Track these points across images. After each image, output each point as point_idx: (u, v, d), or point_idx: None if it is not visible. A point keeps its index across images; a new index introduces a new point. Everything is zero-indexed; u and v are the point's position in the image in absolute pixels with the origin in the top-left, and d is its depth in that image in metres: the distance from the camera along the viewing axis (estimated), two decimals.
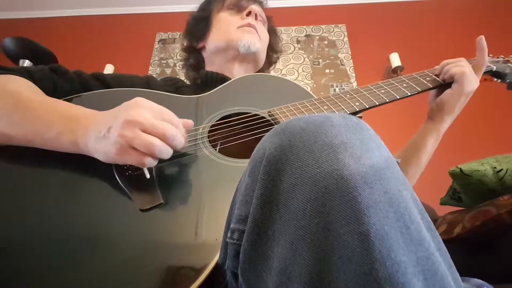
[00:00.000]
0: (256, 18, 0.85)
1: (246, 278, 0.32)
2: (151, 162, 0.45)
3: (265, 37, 0.89)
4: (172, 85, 0.77)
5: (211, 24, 0.86)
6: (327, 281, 0.26)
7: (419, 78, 0.72)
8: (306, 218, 0.28)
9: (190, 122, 0.52)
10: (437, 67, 0.75)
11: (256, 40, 0.82)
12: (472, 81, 0.70)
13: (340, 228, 0.26)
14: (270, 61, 0.98)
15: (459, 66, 0.71)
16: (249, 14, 0.83)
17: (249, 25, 0.82)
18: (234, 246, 0.33)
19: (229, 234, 0.34)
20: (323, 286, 0.26)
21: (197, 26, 0.89)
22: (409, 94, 0.67)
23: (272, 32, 0.95)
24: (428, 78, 0.72)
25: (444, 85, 0.72)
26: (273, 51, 0.97)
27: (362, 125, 0.32)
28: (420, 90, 0.69)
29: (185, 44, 0.95)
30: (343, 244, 0.26)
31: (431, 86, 0.71)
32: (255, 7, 0.84)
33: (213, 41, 0.84)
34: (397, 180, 0.29)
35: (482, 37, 0.72)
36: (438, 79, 0.72)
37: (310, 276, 0.26)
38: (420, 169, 0.75)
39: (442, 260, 0.28)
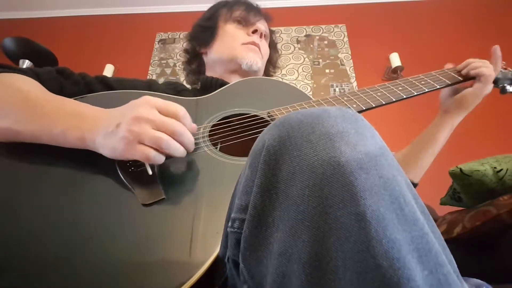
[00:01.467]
0: (260, 36, 0.87)
1: (247, 264, 0.33)
2: (157, 156, 0.45)
3: (266, 52, 0.92)
4: (173, 89, 0.78)
5: (217, 34, 0.87)
6: (325, 260, 0.27)
7: (414, 81, 0.74)
8: (304, 203, 0.29)
9: (194, 125, 0.52)
10: (431, 72, 0.77)
11: (258, 59, 0.84)
12: (490, 85, 0.76)
13: (337, 210, 0.27)
14: (267, 74, 0.99)
15: (488, 68, 0.76)
16: (255, 32, 0.85)
17: (253, 43, 0.84)
18: (235, 234, 0.34)
19: (229, 224, 0.35)
20: (322, 265, 0.27)
21: (203, 33, 0.90)
22: (404, 96, 0.70)
23: (272, 46, 0.97)
24: (423, 82, 0.74)
25: (438, 88, 0.74)
26: (271, 64, 0.99)
27: (357, 116, 0.34)
28: (415, 93, 0.71)
29: (187, 47, 0.96)
30: (341, 225, 0.27)
31: (426, 90, 0.73)
32: (261, 27, 0.86)
33: (217, 52, 0.86)
34: (392, 166, 0.31)
35: (497, 46, 0.78)
36: (433, 83, 0.74)
37: (309, 257, 0.28)
38: (433, 158, 0.83)
39: (436, 241, 0.29)
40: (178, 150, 0.47)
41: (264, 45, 0.90)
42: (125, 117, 0.46)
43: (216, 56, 0.86)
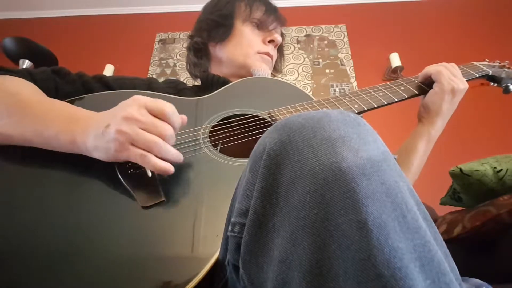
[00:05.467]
0: (275, 47, 0.87)
1: (247, 269, 0.33)
2: (152, 160, 0.45)
3: (275, 58, 0.90)
4: (173, 87, 0.77)
5: (232, 33, 0.84)
6: (326, 268, 0.27)
7: (415, 81, 0.73)
8: (305, 209, 0.28)
9: (184, 117, 0.52)
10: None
11: (269, 70, 0.84)
12: (452, 80, 0.70)
13: (338, 217, 0.27)
14: None
15: (436, 66, 0.72)
16: (271, 41, 0.85)
17: (268, 54, 0.84)
18: (235, 239, 0.34)
19: (230, 228, 0.35)
20: (323, 273, 0.27)
21: (217, 28, 0.85)
22: (406, 96, 0.69)
23: (279, 50, 0.95)
24: (426, 82, 0.73)
25: None
26: (273, 67, 0.97)
27: (359, 120, 0.33)
28: (417, 92, 0.70)
29: (195, 37, 0.90)
30: (342, 232, 0.27)
31: (428, 89, 0.71)
32: (278, 38, 0.85)
33: (230, 53, 0.84)
34: (394, 172, 0.30)
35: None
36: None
37: (310, 264, 0.27)
38: (412, 173, 0.73)
39: (438, 249, 0.29)
40: (172, 154, 0.47)
41: (275, 54, 0.89)
42: (114, 118, 0.45)
43: (227, 57, 0.84)
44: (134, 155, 0.45)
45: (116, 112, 0.46)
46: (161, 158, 0.46)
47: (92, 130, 0.47)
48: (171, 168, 0.46)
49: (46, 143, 0.50)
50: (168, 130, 0.46)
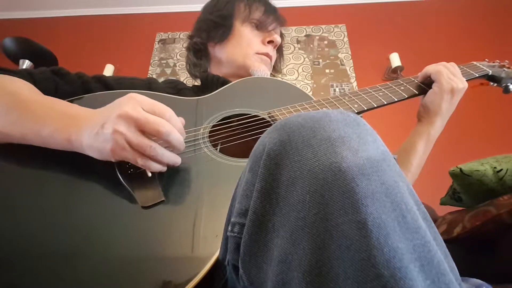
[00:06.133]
0: (274, 47, 0.87)
1: (246, 270, 0.33)
2: (146, 163, 0.45)
3: (274, 59, 0.91)
4: (173, 87, 0.77)
5: (231, 34, 0.84)
6: (326, 268, 0.27)
7: (415, 80, 0.73)
8: (305, 209, 0.28)
9: (182, 119, 0.51)
10: None
11: (268, 71, 0.84)
12: (451, 79, 0.70)
13: (338, 217, 0.27)
14: None
15: (435, 65, 0.72)
16: (270, 42, 0.85)
17: (267, 55, 0.84)
18: (235, 239, 0.34)
19: (229, 228, 0.35)
20: (323, 274, 0.27)
21: (216, 29, 0.85)
22: (406, 96, 0.69)
23: (279, 50, 0.95)
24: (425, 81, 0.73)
25: None
26: (273, 68, 0.97)
27: (359, 120, 0.33)
28: (417, 92, 0.70)
29: (194, 38, 0.90)
30: (342, 233, 0.27)
31: (428, 88, 0.71)
32: (277, 38, 0.85)
33: (229, 54, 0.84)
34: (394, 172, 0.30)
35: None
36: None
37: (309, 264, 0.27)
38: (411, 173, 0.73)
39: (438, 249, 0.29)
40: (168, 157, 0.47)
41: (274, 54, 0.89)
42: (110, 116, 0.45)
43: (226, 57, 0.84)
44: (131, 157, 0.45)
45: (112, 110, 0.46)
46: (157, 161, 0.46)
47: (88, 129, 0.46)
48: (163, 168, 0.48)
49: (44, 142, 0.50)
50: (165, 126, 0.46)
